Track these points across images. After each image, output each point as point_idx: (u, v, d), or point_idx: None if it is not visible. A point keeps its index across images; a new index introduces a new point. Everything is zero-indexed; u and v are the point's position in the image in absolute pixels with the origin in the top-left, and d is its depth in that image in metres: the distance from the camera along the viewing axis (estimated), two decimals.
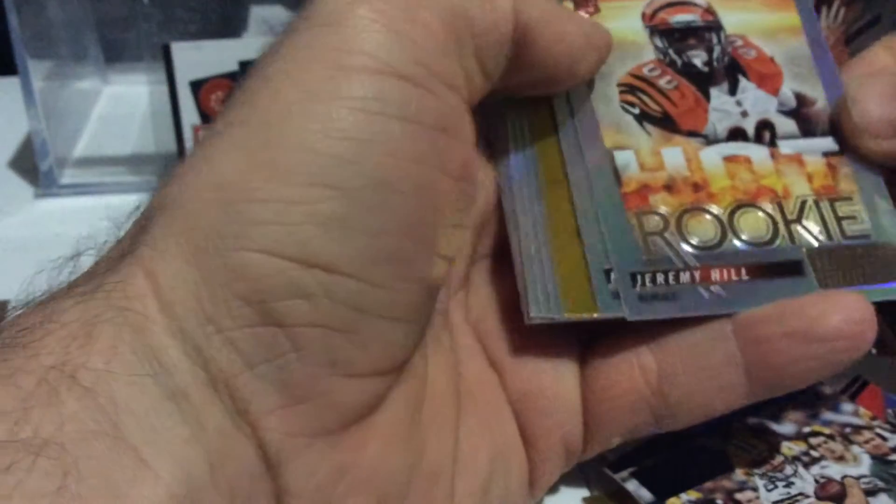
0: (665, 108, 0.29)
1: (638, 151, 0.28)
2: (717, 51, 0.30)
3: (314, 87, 0.21)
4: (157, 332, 0.20)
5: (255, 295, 0.20)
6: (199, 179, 0.21)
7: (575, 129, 0.28)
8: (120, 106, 0.56)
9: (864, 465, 0.29)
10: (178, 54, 0.43)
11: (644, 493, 0.28)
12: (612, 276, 0.26)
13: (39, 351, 0.19)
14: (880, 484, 0.28)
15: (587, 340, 0.28)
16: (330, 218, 0.20)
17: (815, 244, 0.27)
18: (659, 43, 0.30)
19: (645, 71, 0.29)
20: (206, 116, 0.44)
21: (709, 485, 0.28)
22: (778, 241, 0.27)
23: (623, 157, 0.28)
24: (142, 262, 0.20)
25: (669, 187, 0.28)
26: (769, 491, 0.28)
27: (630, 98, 0.29)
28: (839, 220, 0.28)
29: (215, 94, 0.44)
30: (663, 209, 0.27)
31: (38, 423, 0.18)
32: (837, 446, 0.30)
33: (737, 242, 0.27)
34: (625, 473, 0.29)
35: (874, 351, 0.32)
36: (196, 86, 0.44)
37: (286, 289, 0.20)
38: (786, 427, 0.30)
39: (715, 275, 0.27)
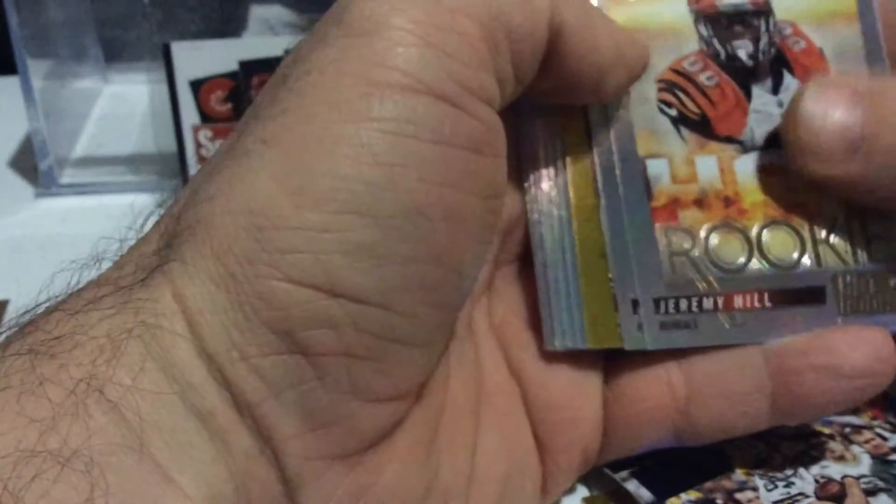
0: (704, 109, 0.27)
1: (672, 160, 0.27)
2: (763, 41, 0.27)
3: (346, 106, 0.20)
4: (185, 351, 0.20)
5: (281, 324, 0.20)
6: (229, 202, 0.20)
7: (610, 142, 0.27)
8: (120, 106, 0.56)
9: (864, 465, 0.29)
10: (178, 54, 0.43)
11: (644, 493, 0.28)
12: (639, 308, 0.26)
13: (68, 362, 0.19)
14: (880, 484, 0.28)
15: (612, 350, 0.27)
16: (359, 247, 0.20)
17: (841, 267, 0.26)
18: (704, 31, 0.27)
19: (685, 65, 0.27)
20: (206, 116, 0.44)
21: (709, 485, 0.28)
22: (802, 264, 0.26)
23: (656, 167, 0.27)
24: (171, 281, 0.20)
25: (700, 202, 0.26)
26: (769, 491, 0.28)
27: (668, 97, 0.27)
28: (868, 240, 0.27)
29: (215, 94, 0.44)
30: (692, 226, 0.26)
31: (67, 434, 0.18)
32: (837, 446, 0.30)
33: (763, 264, 0.26)
34: (625, 473, 0.29)
35: None
36: (196, 85, 0.44)
37: (313, 319, 0.20)
38: (786, 427, 0.30)
39: (738, 302, 0.26)
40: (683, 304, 0.26)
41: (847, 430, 0.30)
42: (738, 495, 0.28)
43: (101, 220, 0.46)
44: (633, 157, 0.27)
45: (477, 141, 0.21)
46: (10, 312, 0.39)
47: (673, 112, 0.27)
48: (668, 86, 0.27)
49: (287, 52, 0.44)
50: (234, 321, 0.20)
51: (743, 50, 0.27)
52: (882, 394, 0.32)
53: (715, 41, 0.27)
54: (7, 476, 0.17)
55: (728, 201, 0.27)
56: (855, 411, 0.31)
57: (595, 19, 0.24)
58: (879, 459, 0.29)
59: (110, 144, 0.52)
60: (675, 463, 0.29)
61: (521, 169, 0.27)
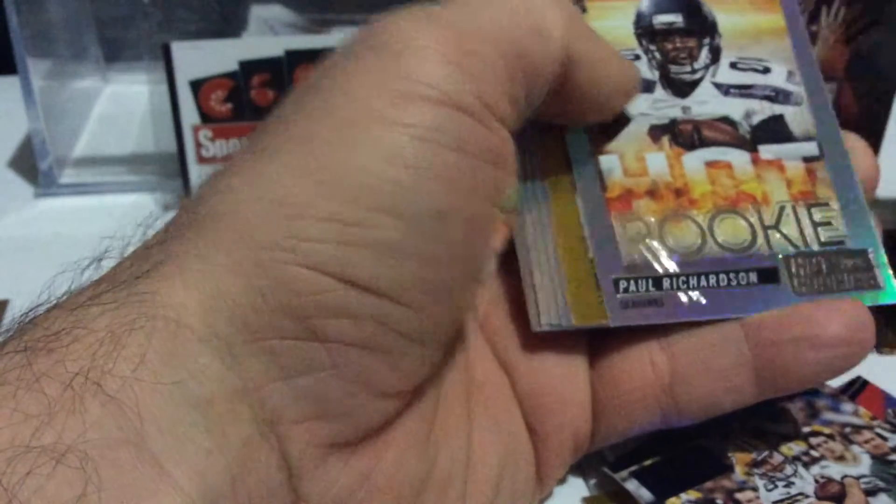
0: None
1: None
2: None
3: (377, 112, 0.21)
4: (189, 339, 0.20)
5: (301, 310, 0.20)
6: (255, 193, 0.21)
7: (584, 132, 0.28)
8: (120, 105, 0.56)
9: (864, 465, 0.29)
10: (178, 54, 0.43)
11: (644, 493, 0.28)
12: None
13: (66, 357, 0.19)
14: (880, 484, 0.28)
15: (596, 333, 0.28)
16: (385, 243, 0.21)
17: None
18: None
19: None
20: (206, 116, 0.44)
21: (709, 485, 0.28)
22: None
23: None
24: (182, 271, 0.20)
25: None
26: (769, 491, 0.28)
27: None
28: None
29: (215, 94, 0.44)
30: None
31: (62, 429, 0.18)
32: (837, 446, 0.30)
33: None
34: (625, 473, 0.29)
35: (874, 351, 0.32)
36: (196, 85, 0.44)
37: (333, 307, 0.20)
38: (786, 427, 0.30)
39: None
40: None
41: (847, 430, 0.30)
42: (738, 495, 0.28)
43: (101, 220, 0.46)
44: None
45: (494, 154, 0.22)
46: (10, 312, 0.39)
47: None
48: None
49: (287, 52, 0.44)
50: (253, 305, 0.20)
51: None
52: (882, 394, 0.32)
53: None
54: (1, 472, 0.17)
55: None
56: (855, 411, 0.31)
57: (603, 51, 0.25)
58: (879, 459, 0.29)
59: (110, 144, 0.52)
60: (675, 463, 0.29)
61: None
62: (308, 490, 0.21)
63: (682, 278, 0.27)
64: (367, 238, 0.20)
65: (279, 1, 0.52)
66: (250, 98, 0.44)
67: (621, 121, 0.29)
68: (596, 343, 0.28)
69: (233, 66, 0.44)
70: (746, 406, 0.27)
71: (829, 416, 0.31)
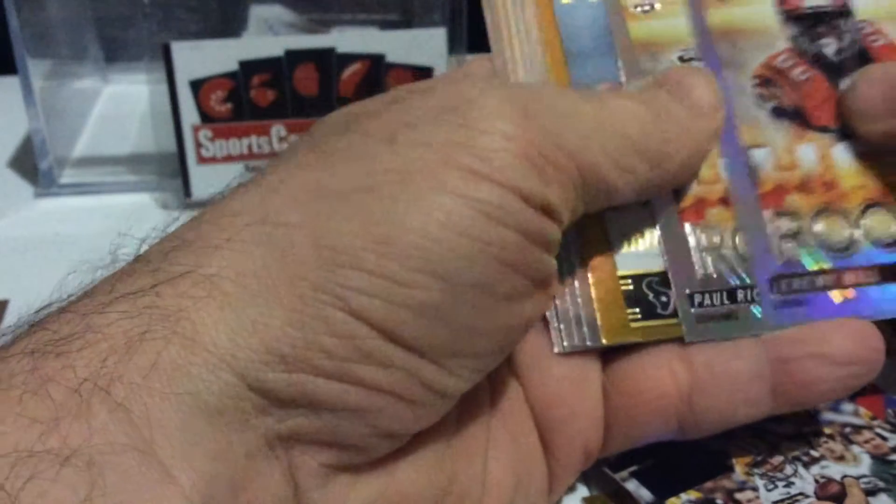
0: (798, 102, 0.29)
1: (774, 149, 0.28)
2: (846, 38, 0.29)
3: (445, 180, 0.21)
4: (212, 354, 0.20)
5: (339, 351, 0.21)
6: (313, 235, 0.21)
7: None
8: (120, 105, 0.56)
9: (864, 465, 0.29)
10: (178, 54, 0.43)
11: (644, 493, 0.28)
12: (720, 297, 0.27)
13: (76, 362, 0.19)
14: (880, 484, 0.28)
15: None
16: (428, 306, 0.21)
17: None
18: (791, 30, 0.29)
19: (778, 62, 0.29)
20: (206, 116, 0.44)
21: (709, 485, 0.28)
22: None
23: (759, 155, 0.28)
24: (218, 292, 0.20)
25: (803, 186, 0.28)
26: (769, 491, 0.28)
27: (765, 91, 0.29)
28: None
29: (215, 94, 0.44)
30: (797, 210, 0.28)
31: (67, 433, 0.18)
32: (837, 446, 0.30)
33: (866, 243, 0.28)
34: (625, 473, 0.29)
35: None
36: (196, 85, 0.44)
37: (370, 355, 0.21)
38: (786, 427, 0.30)
39: (848, 279, 0.27)
40: (797, 284, 0.27)
41: (847, 430, 0.30)
42: (738, 495, 0.28)
43: (101, 220, 0.46)
44: (735, 147, 0.28)
45: (545, 241, 0.23)
46: (10, 312, 0.39)
47: (770, 105, 0.29)
48: (763, 81, 0.29)
49: (287, 52, 0.44)
50: (291, 338, 0.20)
51: (828, 47, 0.29)
52: (882, 394, 0.32)
53: (802, 39, 0.29)
54: (5, 476, 0.17)
55: (828, 186, 0.28)
56: (855, 411, 0.31)
57: (675, 132, 0.26)
58: (879, 459, 0.29)
59: (110, 144, 0.52)
60: (675, 463, 0.29)
61: None
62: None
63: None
64: (411, 298, 0.21)
65: (279, 1, 0.51)
66: (250, 98, 0.44)
67: None
68: (609, 353, 0.28)
69: (233, 66, 0.44)
70: (760, 420, 0.28)
71: (829, 416, 0.31)
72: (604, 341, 0.26)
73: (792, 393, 0.27)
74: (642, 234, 0.27)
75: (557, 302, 0.27)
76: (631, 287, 0.27)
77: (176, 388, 0.19)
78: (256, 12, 0.51)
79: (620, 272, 0.27)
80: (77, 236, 0.44)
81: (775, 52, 0.29)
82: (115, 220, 0.47)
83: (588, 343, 0.26)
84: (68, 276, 0.23)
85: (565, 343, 0.26)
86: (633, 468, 0.29)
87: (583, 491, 0.30)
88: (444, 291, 0.21)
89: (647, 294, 0.27)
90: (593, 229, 0.27)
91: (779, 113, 0.28)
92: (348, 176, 0.22)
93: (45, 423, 0.18)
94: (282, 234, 0.21)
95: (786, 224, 0.27)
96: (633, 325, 0.26)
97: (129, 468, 0.18)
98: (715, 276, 0.27)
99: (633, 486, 0.28)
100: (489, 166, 0.22)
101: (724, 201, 0.27)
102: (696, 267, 0.27)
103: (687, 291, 0.27)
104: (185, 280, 0.21)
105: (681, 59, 0.29)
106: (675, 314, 0.27)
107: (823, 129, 0.29)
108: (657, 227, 0.27)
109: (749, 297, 0.27)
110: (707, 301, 0.27)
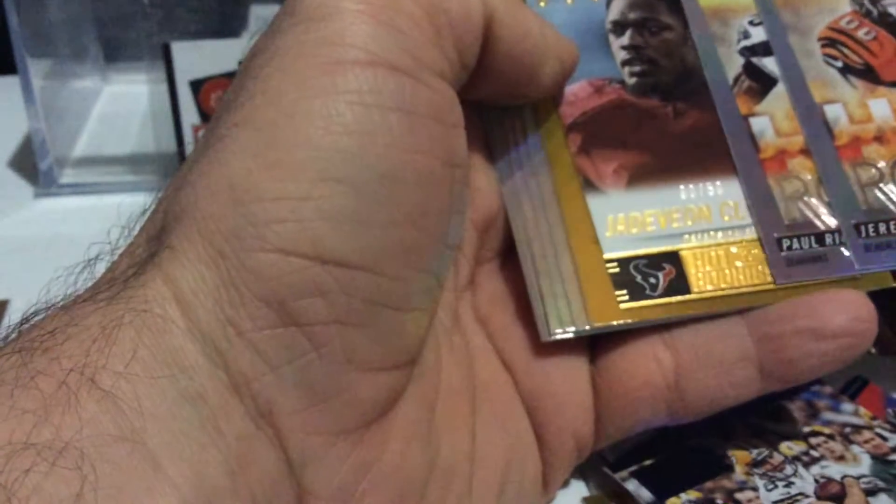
0: (866, 59, 0.30)
1: (846, 104, 0.29)
2: None
3: (311, 83, 0.21)
4: (177, 334, 0.20)
5: (273, 295, 0.20)
6: (210, 183, 0.21)
7: None
8: (120, 105, 0.56)
9: (864, 465, 0.29)
10: (178, 54, 0.43)
11: (644, 493, 0.28)
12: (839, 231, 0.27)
13: (60, 355, 0.19)
14: (880, 484, 0.28)
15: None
16: (341, 212, 0.20)
17: None
18: None
19: (843, 24, 0.30)
20: (206, 116, 0.44)
21: (709, 485, 0.28)
22: None
23: (833, 111, 0.29)
24: (161, 267, 0.20)
25: (879, 138, 0.29)
26: (769, 491, 0.28)
27: (832, 51, 0.30)
28: None
29: (215, 94, 0.44)
30: (877, 160, 0.28)
31: (58, 426, 0.18)
32: (837, 446, 0.30)
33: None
34: (625, 473, 0.29)
35: (874, 350, 0.32)
36: (196, 85, 0.44)
37: (303, 287, 0.20)
38: (786, 427, 0.30)
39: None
40: (882, 228, 0.28)
41: (847, 430, 0.30)
42: (738, 495, 0.28)
43: (100, 220, 0.46)
44: (810, 103, 0.29)
45: (436, 110, 0.22)
46: (11, 312, 0.39)
47: (839, 64, 0.30)
48: (829, 42, 0.30)
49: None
50: (228, 297, 0.20)
51: (893, 6, 0.31)
52: (882, 394, 0.32)
53: (866, 2, 0.31)
54: (0, 470, 0.17)
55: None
56: (855, 411, 0.31)
57: (524, 11, 0.25)
58: (879, 459, 0.29)
59: (110, 144, 0.52)
60: (675, 463, 0.29)
61: (493, 163, 0.28)
62: (311, 481, 0.21)
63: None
64: (323, 210, 0.20)
65: (279, 1, 0.51)
66: None
67: (767, 82, 0.29)
68: (597, 343, 0.28)
69: (233, 66, 0.44)
70: (750, 399, 0.27)
71: (829, 416, 0.31)
72: (593, 323, 0.26)
73: (780, 371, 0.27)
74: (627, 217, 0.27)
75: (543, 288, 0.27)
76: (618, 270, 0.27)
77: (156, 373, 0.19)
78: (256, 12, 0.51)
79: (607, 255, 0.27)
80: (77, 236, 0.44)
81: (838, 15, 0.30)
82: (115, 220, 0.47)
83: (575, 326, 0.26)
84: (53, 279, 0.23)
85: (552, 328, 0.26)
86: (633, 468, 0.29)
87: (583, 491, 0.30)
88: (352, 193, 0.21)
89: (634, 276, 0.27)
90: (576, 214, 0.27)
91: (848, 71, 0.30)
92: (224, 120, 0.22)
93: (37, 415, 0.18)
94: (185, 194, 0.21)
95: (866, 173, 0.28)
96: (622, 306, 0.27)
97: (120, 460, 0.18)
98: (802, 221, 0.28)
99: (633, 486, 0.28)
100: (343, 48, 0.21)
101: (805, 152, 0.28)
102: (782, 214, 0.28)
103: (775, 235, 0.27)
104: (145, 264, 0.21)
105: (750, 23, 0.30)
106: (664, 294, 0.27)
107: (893, 84, 0.30)
108: (651, 207, 0.28)
109: (837, 241, 0.27)
110: (796, 245, 0.27)
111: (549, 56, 0.26)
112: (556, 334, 0.26)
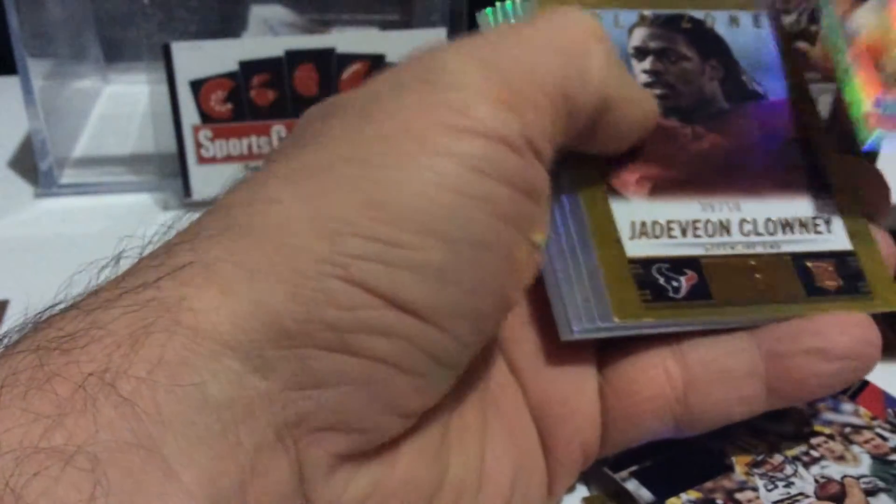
0: None
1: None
2: None
3: (429, 141, 0.21)
4: (215, 341, 0.20)
5: (340, 322, 0.20)
6: (303, 207, 0.21)
7: None
8: (120, 105, 0.56)
9: (864, 465, 0.29)
10: (178, 54, 0.43)
11: (644, 493, 0.28)
12: None
13: (80, 358, 0.19)
14: (880, 484, 0.28)
15: (605, 342, 0.28)
16: (428, 266, 0.21)
17: None
18: None
19: None
20: (206, 116, 0.44)
21: (709, 485, 0.28)
22: None
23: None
24: (219, 278, 0.20)
25: None
26: (769, 491, 0.28)
27: None
28: None
29: (215, 94, 0.44)
30: None
31: (73, 429, 0.18)
32: (837, 446, 0.30)
33: None
34: (625, 473, 0.29)
35: None
36: (196, 85, 0.44)
37: (372, 325, 0.21)
38: (786, 427, 0.30)
39: None
40: None
41: (847, 430, 0.30)
42: (738, 495, 0.28)
43: (101, 220, 0.46)
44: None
45: (532, 189, 0.23)
46: (10, 312, 0.39)
47: None
48: None
49: (287, 52, 0.44)
50: (292, 313, 0.20)
51: None
52: (882, 394, 0.32)
53: None
54: (10, 473, 0.17)
55: None
56: (855, 411, 0.31)
57: (633, 92, 0.26)
58: (879, 459, 0.29)
59: (110, 144, 0.52)
60: (675, 463, 0.29)
61: None
62: (319, 497, 0.21)
63: None
64: (411, 260, 0.21)
65: (279, 1, 0.52)
66: (250, 98, 0.44)
67: None
68: (605, 352, 0.28)
69: (233, 66, 0.44)
70: (758, 415, 0.28)
71: (829, 416, 0.31)
72: (616, 320, 0.26)
73: (787, 389, 0.27)
74: (650, 223, 0.27)
75: (563, 287, 0.27)
76: (641, 271, 0.27)
77: (180, 380, 0.19)
78: (256, 12, 0.51)
79: (630, 255, 0.27)
80: (77, 236, 0.44)
81: None
82: (116, 220, 0.47)
83: (598, 323, 0.26)
84: (73, 276, 0.22)
85: (573, 326, 0.26)
86: (633, 468, 0.29)
87: (583, 491, 0.30)
88: (443, 251, 0.21)
89: (657, 278, 0.27)
90: (599, 216, 0.27)
91: None
92: (332, 152, 0.22)
93: (51, 419, 0.18)
94: (275, 211, 0.21)
95: None
96: (645, 305, 0.26)
97: (133, 466, 0.18)
98: None
99: (633, 486, 0.28)
100: (469, 119, 0.22)
101: None
102: None
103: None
104: (186, 271, 0.20)
105: None
106: (687, 298, 0.27)
107: None
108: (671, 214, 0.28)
109: None
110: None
111: (640, 129, 0.27)
112: (576, 333, 0.26)
